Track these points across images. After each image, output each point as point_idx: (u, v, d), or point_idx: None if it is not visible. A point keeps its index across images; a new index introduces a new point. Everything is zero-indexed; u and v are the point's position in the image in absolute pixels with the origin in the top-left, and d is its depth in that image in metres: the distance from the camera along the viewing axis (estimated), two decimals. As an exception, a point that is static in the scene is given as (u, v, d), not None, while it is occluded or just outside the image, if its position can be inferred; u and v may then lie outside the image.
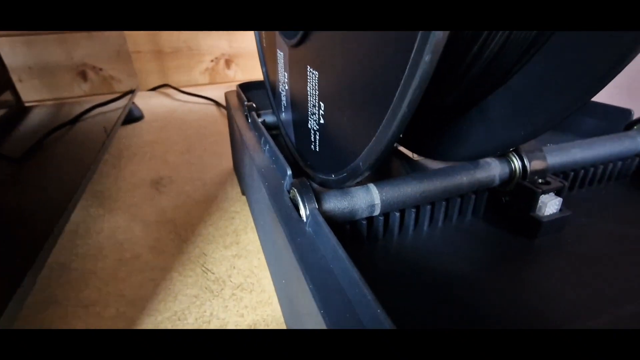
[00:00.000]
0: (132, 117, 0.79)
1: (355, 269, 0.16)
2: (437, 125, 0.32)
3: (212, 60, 1.27)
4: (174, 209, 0.48)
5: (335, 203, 0.23)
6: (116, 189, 0.53)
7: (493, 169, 0.28)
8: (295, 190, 0.23)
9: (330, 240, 0.18)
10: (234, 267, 0.37)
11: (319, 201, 0.23)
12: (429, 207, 0.27)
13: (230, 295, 0.34)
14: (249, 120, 0.40)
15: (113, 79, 0.85)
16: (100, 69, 0.78)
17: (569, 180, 0.32)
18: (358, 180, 0.22)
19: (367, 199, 0.24)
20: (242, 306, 0.32)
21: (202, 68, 1.27)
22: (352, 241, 0.26)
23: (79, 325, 0.31)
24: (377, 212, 0.25)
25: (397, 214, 0.26)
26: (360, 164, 0.20)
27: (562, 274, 0.23)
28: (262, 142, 0.33)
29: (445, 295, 0.22)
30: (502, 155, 0.29)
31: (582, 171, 0.32)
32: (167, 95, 1.05)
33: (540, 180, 0.27)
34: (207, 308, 0.32)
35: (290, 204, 0.23)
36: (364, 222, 0.25)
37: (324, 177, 0.26)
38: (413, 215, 0.27)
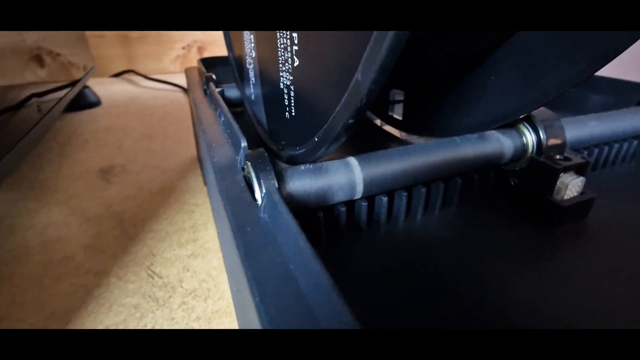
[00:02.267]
0: (87, 102, 0.71)
1: (324, 272, 0.10)
2: (437, 90, 0.27)
3: (183, 48, 1.19)
4: (123, 201, 0.41)
5: (303, 181, 0.17)
6: (58, 178, 0.46)
7: (502, 141, 0.22)
8: (249, 164, 0.17)
9: (290, 229, 0.12)
10: (187, 270, 0.31)
11: (281, 179, 0.17)
12: (423, 189, 0.22)
13: (179, 305, 0.27)
14: (207, 94, 0.33)
15: (72, 66, 0.76)
16: (58, 54, 0.70)
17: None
18: (332, 147, 0.16)
19: (345, 176, 0.18)
20: (193, 318, 0.26)
21: (172, 56, 1.18)
22: (328, 233, 0.20)
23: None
24: (358, 194, 0.19)
25: (385, 199, 0.21)
26: (335, 122, 0.14)
27: (590, 269, 0.18)
28: (217, 114, 0.27)
29: (446, 296, 0.17)
30: (512, 125, 0.24)
31: (597, 149, 0.27)
32: (131, 81, 0.96)
33: (558, 157, 0.22)
34: (149, 321, 0.26)
35: (243, 183, 0.17)
36: (343, 208, 0.20)
37: (294, 152, 0.20)
38: (404, 200, 0.21)
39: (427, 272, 0.18)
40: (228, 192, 0.17)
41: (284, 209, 0.14)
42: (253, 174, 0.16)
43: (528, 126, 0.23)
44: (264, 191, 0.16)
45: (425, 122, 0.29)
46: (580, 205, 0.21)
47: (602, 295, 0.17)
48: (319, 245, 0.20)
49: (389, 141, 0.34)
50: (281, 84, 0.22)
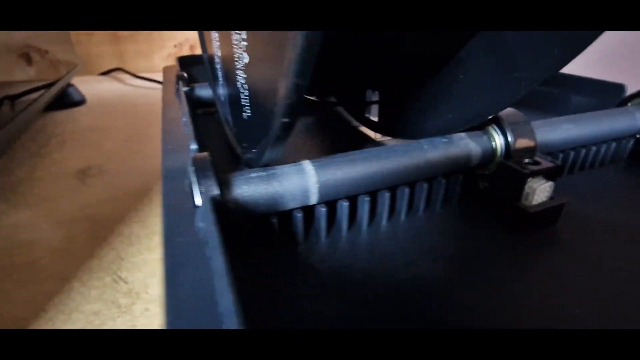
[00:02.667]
0: (71, 101, 0.70)
1: (232, 297, 0.09)
2: (409, 91, 0.26)
3: (175, 46, 1.18)
4: (98, 203, 0.40)
5: (252, 187, 0.16)
6: (32, 180, 0.45)
7: (469, 145, 0.22)
8: (191, 168, 0.16)
9: (213, 241, 0.12)
10: (155, 275, 0.30)
11: (227, 185, 0.16)
12: (387, 194, 0.21)
13: (141, 312, 0.26)
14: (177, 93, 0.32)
15: (61, 63, 0.75)
16: (46, 52, 0.69)
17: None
18: (276, 150, 0.15)
19: (298, 181, 0.17)
20: (154, 325, 0.25)
21: (164, 54, 1.17)
22: (284, 241, 0.19)
23: None
24: (313, 200, 0.18)
25: (345, 204, 0.20)
26: (273, 121, 0.13)
27: (559, 278, 0.18)
28: (181, 114, 0.26)
29: (411, 309, 0.16)
30: (481, 128, 0.23)
31: (573, 152, 0.26)
32: (119, 80, 0.95)
33: (527, 161, 0.21)
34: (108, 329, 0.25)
35: (188, 189, 0.17)
36: (299, 214, 0.19)
37: (249, 156, 0.19)
38: (367, 206, 0.21)
39: (387, 284, 0.17)
40: (170, 198, 0.16)
41: (210, 216, 0.13)
42: (193, 179, 0.15)
43: (497, 129, 0.22)
44: (201, 199, 0.15)
45: (398, 124, 0.28)
46: (549, 212, 0.21)
47: (564, 311, 0.16)
48: (273, 251, 0.19)
49: (364, 143, 0.33)
50: (238, 83, 0.21)
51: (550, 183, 0.21)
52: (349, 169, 0.19)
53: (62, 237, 0.34)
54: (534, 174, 0.20)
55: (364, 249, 0.20)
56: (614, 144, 0.28)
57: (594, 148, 0.27)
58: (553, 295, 0.17)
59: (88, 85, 0.85)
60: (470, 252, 0.20)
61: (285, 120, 0.12)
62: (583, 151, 0.27)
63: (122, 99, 0.77)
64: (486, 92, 0.19)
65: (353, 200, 0.21)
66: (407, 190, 0.21)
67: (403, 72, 0.26)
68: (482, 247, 0.20)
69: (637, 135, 0.30)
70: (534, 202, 0.21)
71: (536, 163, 0.21)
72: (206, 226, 0.14)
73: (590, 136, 0.26)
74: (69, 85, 0.72)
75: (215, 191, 0.15)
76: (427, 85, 0.24)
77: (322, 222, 0.20)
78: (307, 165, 0.18)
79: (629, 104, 0.31)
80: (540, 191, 0.20)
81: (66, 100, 0.69)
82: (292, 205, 0.18)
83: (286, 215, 0.19)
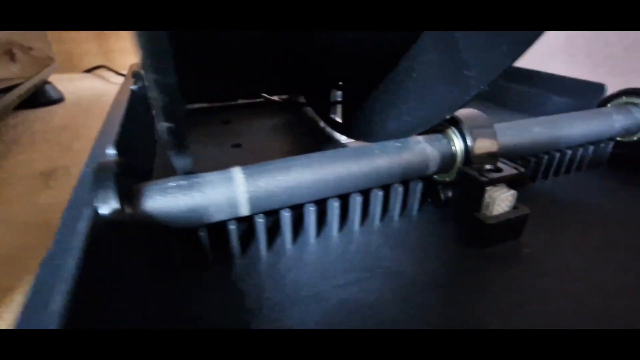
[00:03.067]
0: (47, 99, 0.68)
1: (64, 298, 0.08)
2: (367, 91, 0.24)
3: (162, 43, 1.16)
4: (57, 207, 0.38)
5: (167, 198, 0.15)
6: (-7, 182, 0.43)
7: (426, 149, 0.20)
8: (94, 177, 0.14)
9: (73, 248, 0.10)
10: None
11: (135, 197, 0.14)
12: (336, 203, 0.19)
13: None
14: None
15: (44, 60, 0.73)
16: (30, 49, 0.67)
17: (530, 168, 0.24)
18: (181, 156, 0.13)
19: (224, 191, 0.16)
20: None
21: (151, 51, 1.15)
22: (217, 258, 0.17)
23: None
24: (243, 210, 0.16)
25: (288, 214, 0.18)
26: (162, 126, 0.11)
27: (519, 298, 0.16)
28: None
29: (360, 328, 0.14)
30: (441, 131, 0.21)
31: (546, 156, 0.24)
32: (103, 77, 0.93)
33: (488, 167, 0.19)
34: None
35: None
36: (233, 226, 0.17)
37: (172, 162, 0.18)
38: (313, 216, 0.19)
39: (320, 305, 0.16)
40: (71, 209, 0.14)
41: (82, 233, 0.11)
42: (95, 189, 0.13)
43: (456, 132, 0.20)
44: (102, 211, 0.13)
45: (359, 125, 0.26)
46: (511, 223, 0.19)
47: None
48: (205, 268, 0.17)
49: (326, 146, 0.31)
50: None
51: (513, 192, 0.19)
52: (285, 177, 0.17)
53: (13, 244, 0.32)
54: (494, 182, 0.19)
55: (309, 265, 0.18)
56: (591, 148, 0.26)
57: (569, 152, 0.25)
58: (508, 316, 0.15)
59: (69, 83, 0.83)
60: (421, 267, 0.18)
61: (168, 125, 0.11)
62: (558, 155, 0.25)
63: (101, 98, 0.75)
64: (438, 91, 0.17)
65: (298, 209, 0.19)
66: (359, 199, 0.20)
67: (360, 71, 0.24)
68: (436, 263, 0.18)
69: (618, 138, 0.28)
70: (495, 213, 0.19)
71: (498, 170, 0.19)
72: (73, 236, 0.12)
73: (564, 139, 0.24)
74: (46, 82, 0.70)
75: (113, 205, 0.13)
76: (384, 85, 0.22)
77: (262, 234, 0.18)
78: (237, 172, 0.16)
79: (608, 104, 0.29)
80: (501, 200, 0.19)
81: (42, 98, 0.67)
82: (218, 217, 0.16)
83: (215, 228, 0.17)
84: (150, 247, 0.16)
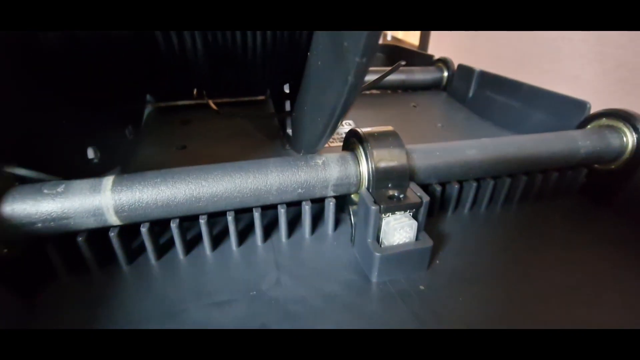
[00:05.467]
0: None
1: None
2: (296, 96, 0.23)
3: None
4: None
5: (25, 205, 0.15)
6: None
7: (331, 169, 0.18)
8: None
9: None
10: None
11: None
12: (203, 220, 0.18)
13: None
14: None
15: None
16: None
17: (449, 196, 0.22)
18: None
19: (88, 199, 0.16)
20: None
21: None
22: (102, 262, 0.18)
23: None
24: (112, 220, 0.16)
25: (176, 226, 0.18)
26: None
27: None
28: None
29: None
30: (352, 149, 0.20)
31: (475, 184, 0.22)
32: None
33: (392, 193, 0.18)
34: None
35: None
36: (112, 233, 0.17)
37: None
38: (177, 231, 0.18)
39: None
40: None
41: None
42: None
43: (362, 151, 0.18)
44: None
45: (293, 136, 0.25)
46: (408, 256, 0.17)
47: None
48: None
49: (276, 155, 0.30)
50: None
51: (412, 222, 0.17)
52: (157, 189, 0.16)
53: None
54: (392, 210, 0.17)
55: (174, 282, 0.17)
56: (540, 176, 0.23)
57: (508, 180, 0.22)
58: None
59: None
60: (295, 293, 0.17)
61: None
62: (492, 182, 0.22)
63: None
64: (330, 76, 0.16)
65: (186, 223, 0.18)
66: (257, 214, 0.19)
67: (290, 73, 0.23)
68: (314, 293, 0.17)
69: (596, 165, 0.25)
70: (391, 243, 0.17)
71: (401, 197, 0.18)
72: None
73: (505, 165, 0.22)
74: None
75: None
76: (302, 89, 0.21)
77: (148, 244, 0.18)
78: (106, 181, 0.16)
79: (588, 125, 0.26)
80: (395, 230, 0.17)
81: None
82: (85, 225, 0.16)
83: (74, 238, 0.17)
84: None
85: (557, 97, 0.29)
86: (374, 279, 0.17)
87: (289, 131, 0.28)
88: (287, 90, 0.28)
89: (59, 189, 0.16)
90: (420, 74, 0.42)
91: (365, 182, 0.18)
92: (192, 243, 0.20)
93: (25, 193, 0.15)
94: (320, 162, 0.19)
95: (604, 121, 0.25)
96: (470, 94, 0.38)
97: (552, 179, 0.24)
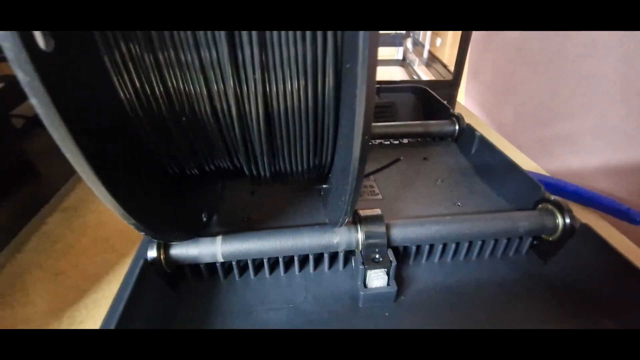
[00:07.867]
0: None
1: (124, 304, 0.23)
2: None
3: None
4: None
5: (177, 249, 0.30)
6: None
7: (334, 237, 0.31)
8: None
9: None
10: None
11: (167, 247, 0.29)
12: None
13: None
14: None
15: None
16: None
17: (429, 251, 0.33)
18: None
19: (210, 248, 0.30)
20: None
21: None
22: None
23: (46, 288, 0.43)
24: (219, 258, 0.30)
25: (250, 263, 0.32)
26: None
27: None
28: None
29: None
30: (354, 223, 0.32)
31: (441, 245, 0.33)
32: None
33: (373, 256, 0.30)
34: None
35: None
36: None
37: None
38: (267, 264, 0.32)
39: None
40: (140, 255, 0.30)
41: (136, 271, 0.26)
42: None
43: (359, 227, 0.30)
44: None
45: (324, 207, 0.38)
46: (381, 294, 0.29)
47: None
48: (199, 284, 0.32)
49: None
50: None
51: (385, 276, 0.29)
52: (251, 243, 0.30)
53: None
54: (371, 268, 0.29)
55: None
56: (492, 242, 0.33)
57: (466, 243, 0.33)
58: None
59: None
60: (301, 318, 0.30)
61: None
62: (454, 245, 0.33)
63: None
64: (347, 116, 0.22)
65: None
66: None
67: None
68: (313, 316, 0.30)
69: (543, 236, 0.34)
70: (373, 286, 0.29)
71: (380, 260, 0.29)
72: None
73: (460, 236, 0.32)
74: None
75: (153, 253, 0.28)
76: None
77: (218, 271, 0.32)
78: (218, 239, 0.30)
79: (539, 205, 0.35)
80: (374, 279, 0.29)
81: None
82: (206, 260, 0.30)
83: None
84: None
85: (522, 176, 0.37)
86: (360, 305, 0.30)
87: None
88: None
89: (194, 241, 0.30)
90: (435, 127, 0.52)
91: (360, 246, 0.31)
92: (258, 268, 0.33)
93: (181, 244, 0.30)
94: (335, 234, 0.31)
95: (547, 205, 0.34)
96: (473, 151, 0.47)
97: (501, 244, 0.34)
